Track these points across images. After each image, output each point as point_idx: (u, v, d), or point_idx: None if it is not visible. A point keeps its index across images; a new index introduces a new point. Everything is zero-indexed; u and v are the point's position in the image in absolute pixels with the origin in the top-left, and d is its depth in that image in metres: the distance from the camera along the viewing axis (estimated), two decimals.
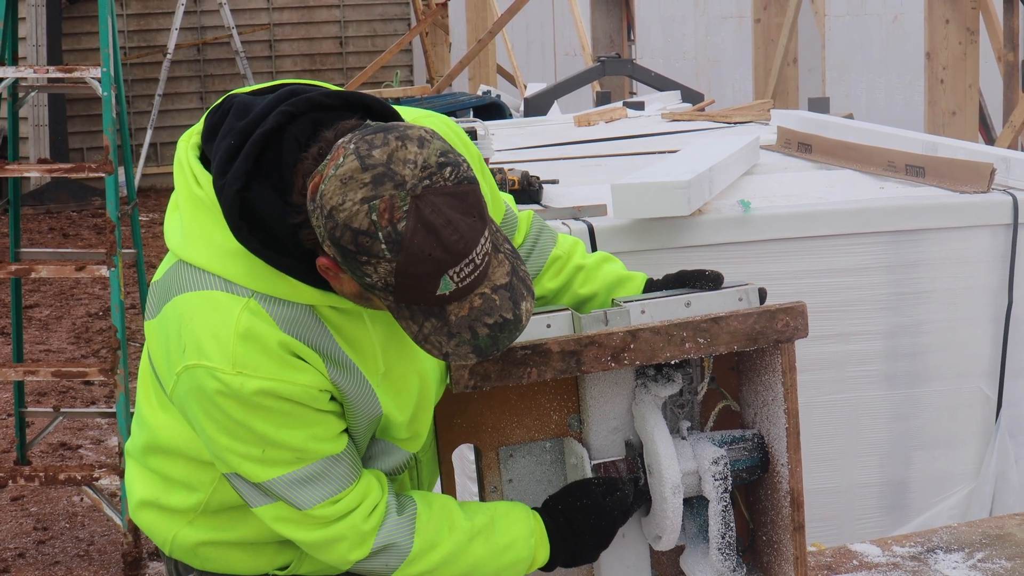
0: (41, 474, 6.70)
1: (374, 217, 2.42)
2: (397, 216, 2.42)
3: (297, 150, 2.62)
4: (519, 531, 2.93)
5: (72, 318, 12.19)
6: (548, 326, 3.00)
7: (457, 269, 2.46)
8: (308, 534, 2.82)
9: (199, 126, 2.79)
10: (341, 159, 2.47)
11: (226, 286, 2.68)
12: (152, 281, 2.85)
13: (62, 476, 6.69)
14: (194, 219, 2.72)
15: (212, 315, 2.67)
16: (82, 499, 7.64)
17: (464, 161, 2.52)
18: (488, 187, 3.08)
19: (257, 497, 2.81)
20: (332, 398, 2.76)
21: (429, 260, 2.44)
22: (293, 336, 2.68)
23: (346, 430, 2.81)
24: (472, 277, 2.49)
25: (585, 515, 2.97)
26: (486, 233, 2.51)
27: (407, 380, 2.85)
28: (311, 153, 2.59)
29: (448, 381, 2.91)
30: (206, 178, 2.70)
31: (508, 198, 3.26)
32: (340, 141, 2.53)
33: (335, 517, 2.79)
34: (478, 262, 2.49)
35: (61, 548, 7.06)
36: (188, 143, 2.79)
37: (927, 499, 4.77)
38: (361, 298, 2.63)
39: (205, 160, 2.75)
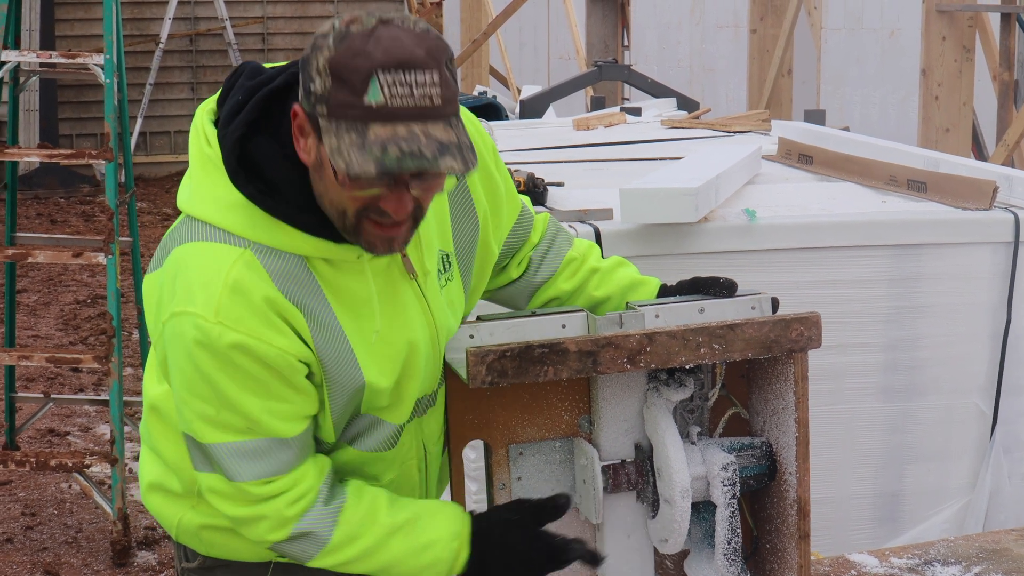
0: (32, 459, 6.70)
1: (336, 23, 2.56)
2: (355, 23, 2.55)
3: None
4: (442, 532, 2.92)
5: (60, 304, 12.17)
6: (563, 326, 3.02)
7: (390, 77, 2.50)
8: (234, 508, 2.84)
9: (217, 94, 2.86)
10: None
11: (225, 237, 2.73)
12: (165, 235, 2.90)
13: (53, 462, 6.69)
14: (201, 176, 2.78)
15: (207, 263, 2.71)
16: (71, 486, 7.64)
17: (442, 39, 2.60)
18: (503, 180, 3.12)
19: (200, 462, 2.84)
20: (308, 375, 2.77)
21: (364, 55, 2.51)
22: (283, 292, 2.70)
23: (310, 418, 2.82)
24: (405, 101, 2.51)
25: (516, 532, 2.95)
26: (435, 78, 2.54)
27: (395, 344, 2.85)
28: None
29: (462, 372, 2.92)
30: (216, 137, 2.77)
31: (525, 199, 3.28)
32: None
33: (263, 497, 2.81)
34: (416, 91, 2.52)
35: (49, 534, 7.06)
36: (204, 109, 2.85)
37: (921, 512, 4.80)
38: (318, 169, 2.64)
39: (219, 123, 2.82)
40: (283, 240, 2.72)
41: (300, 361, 2.74)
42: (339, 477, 2.95)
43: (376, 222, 2.67)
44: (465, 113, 3.03)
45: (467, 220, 3.04)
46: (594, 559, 3.00)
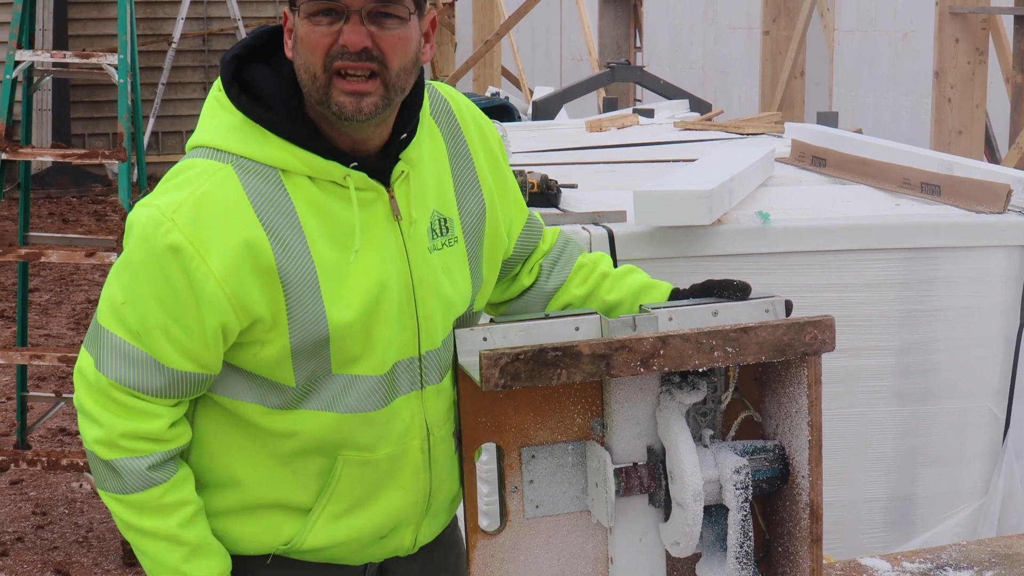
0: (43, 459, 6.71)
1: None
2: None
3: None
4: (190, 570, 2.96)
5: (72, 303, 12.19)
6: (576, 329, 3.02)
7: None
8: (87, 398, 2.89)
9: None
10: None
11: (213, 154, 2.83)
12: None
13: (64, 462, 6.69)
14: (207, 116, 2.90)
15: (188, 173, 2.82)
16: (81, 485, 7.65)
17: None
18: (510, 176, 3.17)
19: (91, 340, 2.89)
20: (224, 330, 2.80)
21: None
22: (256, 209, 2.78)
23: (200, 372, 2.85)
24: None
25: None
26: None
27: (363, 280, 2.87)
28: None
29: (476, 375, 2.92)
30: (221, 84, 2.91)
31: (536, 214, 3.33)
32: None
33: (114, 403, 2.86)
34: None
35: (60, 534, 7.07)
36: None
37: (932, 516, 4.79)
38: (295, 47, 2.80)
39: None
40: (270, 153, 2.81)
41: (228, 303, 2.77)
42: (178, 457, 2.97)
43: (343, 76, 2.78)
44: (471, 107, 3.13)
45: (472, 195, 3.07)
46: None
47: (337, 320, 2.84)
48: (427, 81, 3.04)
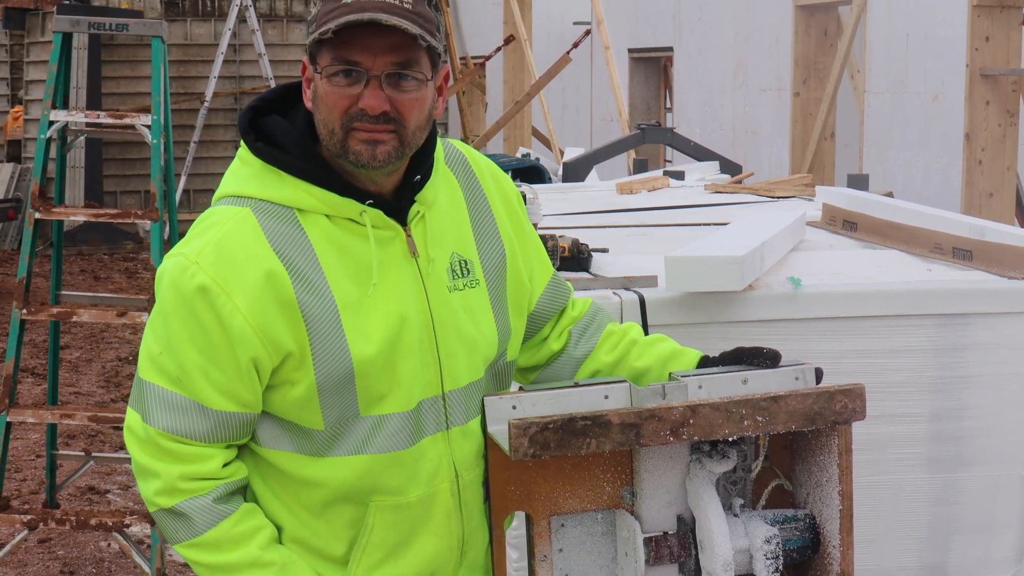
0: (72, 518, 6.72)
1: None
2: None
3: None
4: None
5: (102, 361, 12.22)
6: (606, 397, 3.02)
7: None
8: (140, 453, 2.93)
9: None
10: None
11: (233, 200, 2.92)
12: None
13: (93, 521, 6.70)
14: (228, 172, 2.99)
15: (209, 220, 2.91)
16: (110, 544, 7.64)
17: None
18: (532, 236, 3.24)
19: (133, 396, 2.95)
20: (256, 366, 2.85)
21: None
22: (274, 248, 2.85)
23: (240, 411, 2.90)
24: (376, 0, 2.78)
25: None
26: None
27: (384, 314, 2.92)
28: None
29: (504, 444, 2.91)
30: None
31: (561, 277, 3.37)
32: None
33: (166, 453, 2.89)
34: None
35: None
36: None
37: None
38: (314, 99, 2.88)
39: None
40: (285, 193, 2.89)
41: (256, 336, 2.83)
42: (243, 490, 3.00)
43: (359, 127, 2.85)
44: (488, 162, 3.23)
45: (492, 241, 3.12)
46: None
47: (360, 354, 2.89)
48: (443, 138, 3.10)
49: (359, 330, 2.89)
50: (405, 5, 2.81)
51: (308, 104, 2.91)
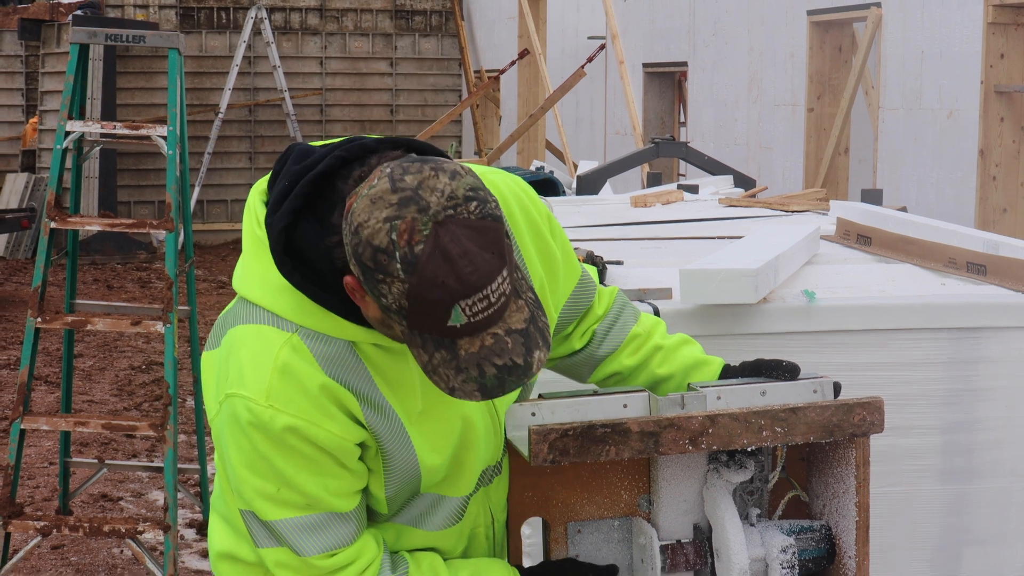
0: (86, 524, 6.74)
1: (394, 236, 2.49)
2: (416, 239, 2.48)
3: (343, 190, 2.71)
4: None
5: (115, 370, 12.26)
6: (625, 406, 3.03)
7: (470, 302, 2.50)
8: None
9: (269, 175, 2.91)
10: (375, 181, 2.55)
11: (274, 320, 2.78)
12: (220, 315, 2.95)
13: (106, 528, 6.72)
14: (253, 258, 2.83)
15: (256, 347, 2.77)
16: (122, 551, 7.67)
17: (493, 200, 2.57)
18: (560, 247, 3.13)
19: (264, 538, 2.87)
20: (361, 456, 2.82)
21: (442, 287, 2.49)
22: (332, 377, 2.76)
23: (362, 491, 2.87)
24: (485, 314, 2.52)
25: None
26: (504, 273, 2.54)
27: (447, 421, 2.89)
28: (354, 176, 2.71)
29: (524, 450, 2.94)
30: (265, 219, 2.81)
31: (591, 269, 3.31)
32: (380, 166, 2.61)
33: (331, 569, 2.86)
34: (492, 299, 2.52)
35: None
36: (257, 190, 2.90)
37: None
38: (383, 325, 2.68)
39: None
40: (330, 326, 2.76)
41: (352, 444, 2.79)
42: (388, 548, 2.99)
43: None
44: (517, 182, 3.08)
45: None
46: None
47: (426, 462, 2.89)
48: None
49: (425, 443, 2.87)
50: (507, 295, 2.57)
51: (365, 313, 2.70)
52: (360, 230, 2.51)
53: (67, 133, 6.88)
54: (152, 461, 9.22)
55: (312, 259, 2.74)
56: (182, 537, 7.33)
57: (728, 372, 3.22)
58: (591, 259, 4.82)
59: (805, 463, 3.24)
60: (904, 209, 8.29)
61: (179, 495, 7.55)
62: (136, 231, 7.04)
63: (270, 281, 2.79)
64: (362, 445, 2.82)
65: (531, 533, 3.43)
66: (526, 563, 3.18)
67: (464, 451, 2.94)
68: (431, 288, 2.49)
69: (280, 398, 2.73)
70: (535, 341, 2.59)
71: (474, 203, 2.53)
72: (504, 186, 3.07)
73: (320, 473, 2.78)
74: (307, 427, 2.73)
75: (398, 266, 2.49)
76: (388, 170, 2.55)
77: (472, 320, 2.52)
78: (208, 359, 2.90)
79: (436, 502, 2.98)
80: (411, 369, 2.84)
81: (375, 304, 2.62)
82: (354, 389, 2.78)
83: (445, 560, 3.02)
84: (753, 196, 8.53)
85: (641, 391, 3.07)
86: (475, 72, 21.96)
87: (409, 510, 2.98)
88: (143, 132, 7.10)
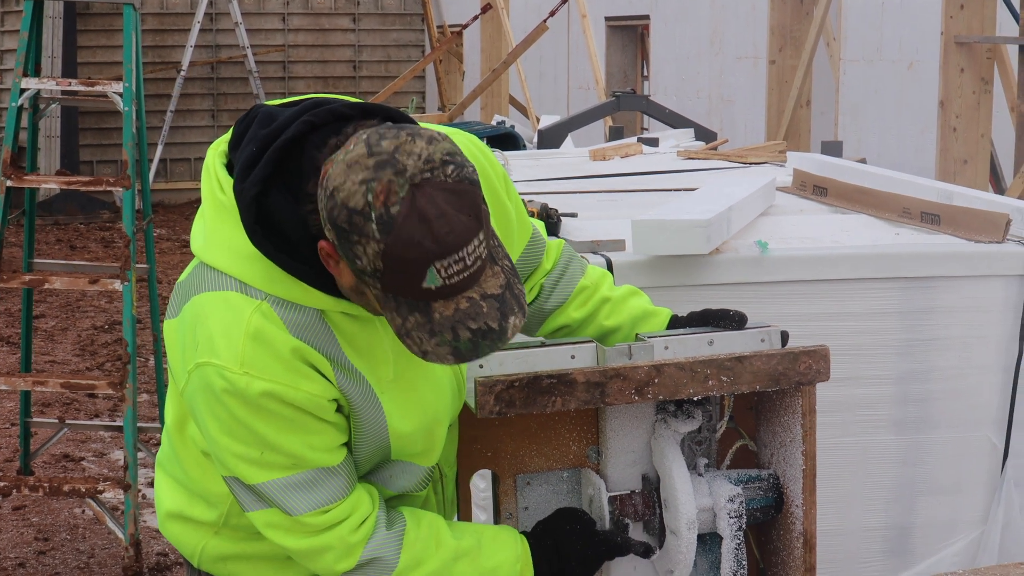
0: (45, 485, 6.73)
1: (370, 198, 2.49)
2: (392, 200, 2.49)
3: (316, 159, 2.69)
4: (506, 555, 2.97)
5: (78, 330, 12.21)
6: (572, 357, 3.03)
7: (445, 263, 2.51)
8: (297, 542, 2.86)
9: (228, 135, 2.88)
10: (352, 147, 2.56)
11: (242, 288, 2.76)
12: (177, 282, 2.93)
13: (66, 488, 6.71)
14: (216, 223, 2.81)
15: (226, 315, 2.75)
16: (84, 511, 7.66)
17: (470, 165, 2.57)
18: (514, 207, 3.13)
19: (252, 501, 2.86)
20: (338, 409, 2.81)
21: (417, 247, 2.49)
22: (303, 341, 2.74)
23: (346, 445, 2.86)
24: (460, 277, 2.53)
25: (572, 540, 3.01)
26: (481, 236, 2.54)
27: (417, 390, 2.89)
28: (330, 145, 2.69)
29: (471, 402, 2.94)
30: (229, 184, 2.78)
31: (539, 225, 3.30)
32: (356, 133, 2.62)
33: (324, 526, 2.84)
34: (468, 262, 2.53)
35: (62, 559, 7.08)
36: (216, 151, 2.87)
37: (931, 545, 4.79)
38: (357, 292, 2.68)
39: (231, 168, 2.83)
40: (300, 295, 2.75)
41: (329, 400, 2.78)
42: (385, 505, 2.98)
43: None
44: (474, 141, 3.07)
45: None
46: (647, 551, 3.07)
47: (397, 428, 2.88)
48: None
49: (395, 411, 2.86)
50: (483, 259, 2.57)
51: (338, 279, 2.69)
52: (336, 193, 2.51)
53: (22, 91, 6.82)
54: (114, 421, 9.20)
55: (284, 229, 2.72)
56: (143, 496, 7.32)
57: (676, 323, 3.22)
58: (545, 211, 4.82)
59: (753, 412, 3.25)
60: (864, 161, 8.30)
61: (140, 454, 7.53)
62: (93, 189, 7.01)
63: (237, 248, 2.77)
64: (336, 403, 2.81)
65: (485, 486, 3.44)
66: (479, 516, 3.19)
67: (436, 422, 2.94)
68: (406, 248, 2.49)
69: (254, 364, 2.71)
70: (510, 307, 2.59)
71: (451, 167, 2.53)
72: (462, 146, 3.04)
73: (302, 431, 2.77)
74: (284, 390, 2.72)
75: (374, 227, 2.49)
76: (364, 136, 2.55)
77: (447, 282, 2.52)
78: (171, 327, 2.88)
79: (405, 468, 2.98)
80: (382, 337, 2.83)
81: (349, 270, 2.61)
82: (325, 352, 2.77)
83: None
84: (714, 149, 8.53)
85: (589, 342, 3.07)
86: (438, 27, 21.87)
87: (378, 472, 2.97)
88: (99, 89, 7.05)
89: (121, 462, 8.40)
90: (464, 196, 2.53)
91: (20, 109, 6.83)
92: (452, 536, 2.94)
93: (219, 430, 2.78)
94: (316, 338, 2.76)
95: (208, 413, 2.78)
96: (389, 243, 2.49)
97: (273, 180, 2.72)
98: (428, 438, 2.95)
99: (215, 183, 2.81)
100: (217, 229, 2.80)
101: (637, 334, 3.15)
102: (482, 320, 2.56)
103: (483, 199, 2.58)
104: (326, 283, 2.74)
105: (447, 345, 2.56)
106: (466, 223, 2.51)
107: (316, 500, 2.82)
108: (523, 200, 4.57)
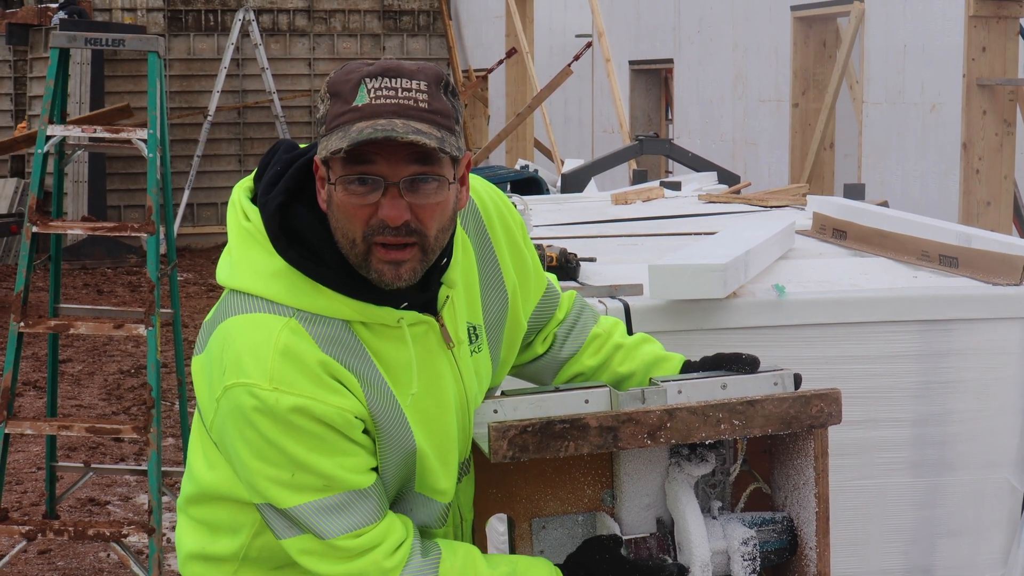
0: (70, 528, 6.76)
1: (343, 69, 2.74)
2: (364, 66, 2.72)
3: None
4: None
5: (104, 374, 12.27)
6: (586, 401, 3.06)
7: (376, 82, 2.68)
8: (332, 567, 2.87)
9: (252, 173, 2.97)
10: None
11: (269, 307, 2.80)
12: (204, 321, 2.96)
13: (91, 532, 6.74)
14: (241, 249, 2.87)
15: (254, 334, 2.79)
16: (109, 555, 7.69)
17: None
18: (531, 256, 3.18)
19: (285, 528, 2.87)
20: (365, 431, 2.84)
21: (356, 70, 2.70)
22: (331, 356, 2.78)
23: (375, 469, 2.88)
24: (388, 98, 2.68)
25: (604, 570, 3.02)
26: (424, 85, 2.71)
27: (436, 410, 2.93)
28: None
29: (484, 447, 2.97)
30: (253, 211, 2.86)
31: (552, 277, 3.34)
32: None
33: (358, 551, 2.85)
34: (400, 92, 2.68)
35: None
36: (241, 187, 2.96)
37: None
38: (322, 182, 2.79)
39: (256, 201, 2.91)
40: (325, 305, 2.80)
41: (356, 418, 2.80)
42: (420, 533, 3.01)
43: (382, 245, 2.76)
44: (493, 197, 3.12)
45: (496, 294, 3.11)
46: (681, 572, 3.06)
47: (422, 446, 2.91)
48: None
49: (419, 428, 2.89)
50: (420, 105, 2.70)
51: (323, 205, 2.80)
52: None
53: (48, 137, 6.89)
54: (140, 465, 9.24)
55: (308, 237, 2.80)
56: (167, 540, 7.35)
57: (688, 367, 3.24)
58: (564, 256, 4.85)
59: (767, 455, 3.26)
60: (885, 203, 8.32)
61: (165, 498, 7.57)
62: (118, 234, 7.07)
63: (260, 268, 2.82)
64: (363, 423, 2.83)
65: (503, 530, 3.46)
66: None
67: (449, 446, 2.96)
68: (347, 73, 2.71)
69: (283, 380, 2.74)
70: (426, 135, 2.69)
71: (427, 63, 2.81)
72: (483, 192, 3.14)
73: (332, 452, 2.79)
74: (313, 405, 2.74)
75: (334, 75, 2.74)
76: None
77: (374, 101, 2.67)
78: (198, 363, 2.92)
79: (425, 503, 3.00)
80: (408, 349, 2.87)
81: (320, 165, 2.77)
82: (353, 368, 2.80)
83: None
84: (736, 192, 8.56)
85: (602, 387, 3.09)
86: (463, 72, 21.97)
87: (399, 505, 2.99)
88: (124, 136, 7.12)
89: (146, 506, 8.42)
90: (424, 65, 2.76)
91: (46, 155, 6.90)
92: (488, 566, 2.96)
93: (250, 454, 2.80)
94: (345, 351, 2.80)
95: (239, 438, 2.80)
96: (336, 73, 2.73)
97: (296, 194, 2.82)
98: (444, 462, 2.96)
99: (240, 214, 2.88)
100: (242, 256, 2.86)
101: (651, 378, 3.18)
102: (389, 127, 2.67)
103: (447, 83, 2.77)
104: (350, 287, 2.79)
105: (347, 140, 2.67)
106: (411, 68, 2.72)
107: (349, 523, 2.83)
108: (543, 244, 4.62)
